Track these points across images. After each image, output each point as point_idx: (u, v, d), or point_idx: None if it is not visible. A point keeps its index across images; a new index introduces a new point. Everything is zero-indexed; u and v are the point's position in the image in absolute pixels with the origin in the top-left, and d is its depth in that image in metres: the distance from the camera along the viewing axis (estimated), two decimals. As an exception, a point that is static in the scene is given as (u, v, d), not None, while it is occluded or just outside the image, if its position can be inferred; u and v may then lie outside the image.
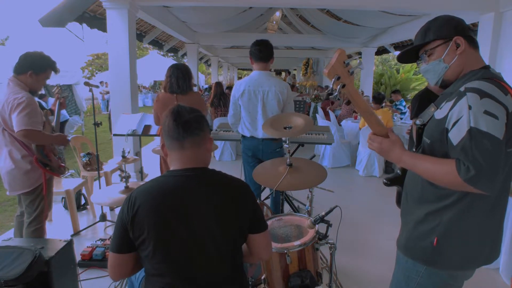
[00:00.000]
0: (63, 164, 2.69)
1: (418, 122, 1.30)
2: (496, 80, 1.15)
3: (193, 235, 1.22)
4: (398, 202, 1.50)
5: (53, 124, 2.74)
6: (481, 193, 1.07)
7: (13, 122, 2.32)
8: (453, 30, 1.24)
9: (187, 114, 1.29)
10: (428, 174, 1.18)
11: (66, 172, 2.76)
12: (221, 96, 6.75)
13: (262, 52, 2.85)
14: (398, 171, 1.51)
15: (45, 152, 2.50)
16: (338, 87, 1.17)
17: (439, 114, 1.20)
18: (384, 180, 1.51)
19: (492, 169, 1.03)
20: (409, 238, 1.33)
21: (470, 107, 1.07)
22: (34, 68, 2.45)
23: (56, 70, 2.61)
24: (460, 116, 1.09)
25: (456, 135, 1.09)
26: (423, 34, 1.29)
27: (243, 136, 3.12)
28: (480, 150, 1.03)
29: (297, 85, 14.42)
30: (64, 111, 6.64)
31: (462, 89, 1.14)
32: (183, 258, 1.23)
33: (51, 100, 6.01)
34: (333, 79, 1.16)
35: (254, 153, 3.06)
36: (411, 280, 1.32)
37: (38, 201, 2.54)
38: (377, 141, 1.28)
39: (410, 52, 1.36)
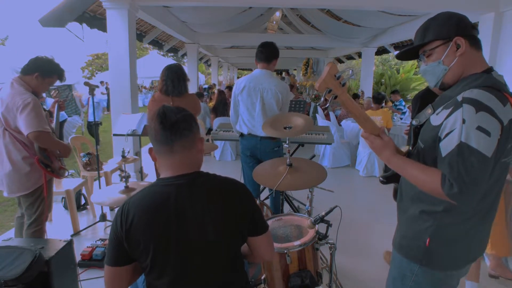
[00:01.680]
0: (63, 166, 2.68)
1: (414, 122, 1.30)
2: (497, 89, 1.12)
3: (190, 244, 1.19)
4: (395, 196, 1.50)
5: (53, 125, 2.74)
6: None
7: (20, 123, 2.30)
8: (453, 29, 1.19)
9: (174, 115, 1.20)
10: (413, 180, 1.19)
11: (66, 173, 2.76)
12: (224, 104, 6.82)
13: (263, 53, 2.90)
14: None
15: (46, 153, 2.48)
16: (330, 98, 1.19)
17: (435, 120, 1.18)
18: (381, 178, 1.51)
19: (475, 186, 1.04)
20: (403, 237, 1.34)
21: (464, 121, 1.06)
22: (41, 71, 2.45)
23: (62, 79, 2.61)
24: (453, 129, 1.08)
25: (446, 147, 1.09)
26: (423, 33, 1.25)
27: (241, 136, 3.12)
28: (465, 167, 1.03)
29: (297, 85, 14.38)
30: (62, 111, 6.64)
31: (459, 98, 1.11)
32: (183, 267, 1.20)
33: (49, 101, 6.00)
34: (324, 92, 1.18)
35: (253, 153, 3.06)
36: (406, 279, 1.33)
37: (38, 203, 2.52)
38: (370, 139, 1.29)
39: (409, 50, 1.34)
